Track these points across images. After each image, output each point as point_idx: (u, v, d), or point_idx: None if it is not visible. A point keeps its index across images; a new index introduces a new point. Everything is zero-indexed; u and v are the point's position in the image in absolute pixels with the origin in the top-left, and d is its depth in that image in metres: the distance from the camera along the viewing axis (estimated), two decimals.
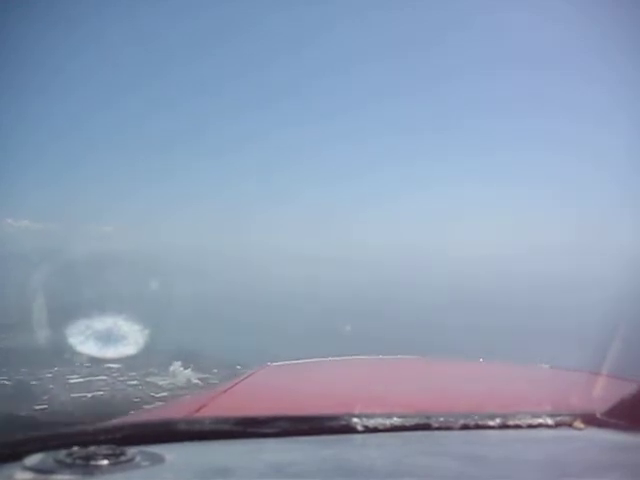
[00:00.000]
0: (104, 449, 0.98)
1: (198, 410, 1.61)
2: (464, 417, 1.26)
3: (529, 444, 1.21)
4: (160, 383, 15.59)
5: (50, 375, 15.05)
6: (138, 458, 0.99)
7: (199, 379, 15.66)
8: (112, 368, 15.51)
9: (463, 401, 1.59)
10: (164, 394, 14.45)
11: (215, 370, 16.39)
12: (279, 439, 1.17)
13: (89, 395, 14.63)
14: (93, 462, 0.95)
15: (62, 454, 0.96)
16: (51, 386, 14.73)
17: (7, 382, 14.69)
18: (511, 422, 1.26)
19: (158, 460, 1.01)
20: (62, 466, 0.94)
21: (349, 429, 1.20)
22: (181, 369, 15.98)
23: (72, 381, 15.01)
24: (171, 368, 15.93)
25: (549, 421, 1.28)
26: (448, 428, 1.24)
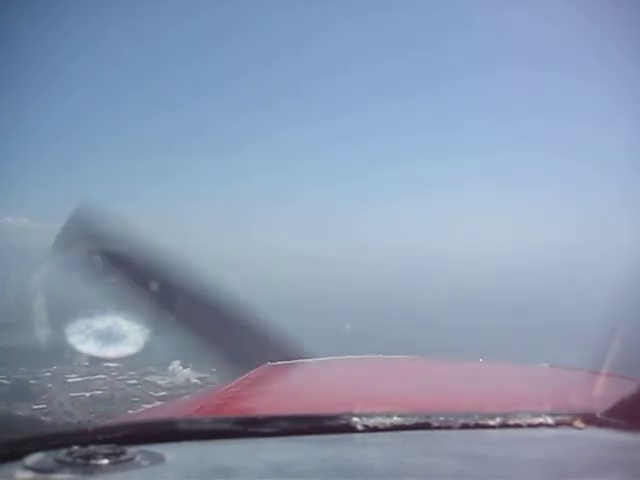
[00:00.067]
0: (104, 448, 0.98)
1: (198, 409, 1.61)
2: (464, 416, 1.26)
3: (529, 443, 1.21)
4: (159, 382, 15.57)
5: (49, 374, 15.03)
6: (138, 457, 0.99)
7: (198, 378, 15.65)
8: (111, 367, 15.49)
9: (463, 401, 1.59)
10: (163, 393, 14.44)
11: (214, 369, 16.37)
12: (279, 438, 1.17)
13: (88, 394, 14.62)
14: (93, 461, 0.95)
15: (62, 453, 0.96)
16: (50, 385, 14.71)
17: (6, 381, 14.68)
18: (511, 421, 1.26)
19: (158, 459, 1.01)
20: (62, 465, 0.94)
21: (349, 428, 1.20)
22: (180, 368, 15.97)
23: (71, 380, 14.99)
24: (170, 367, 15.91)
25: (549, 420, 1.28)
26: (448, 427, 1.24)
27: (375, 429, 1.20)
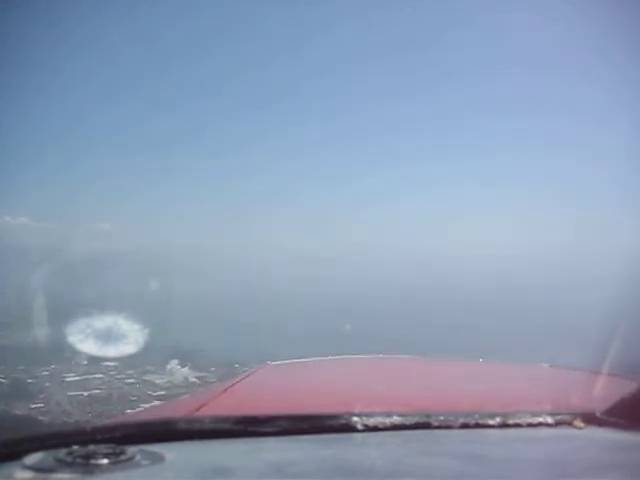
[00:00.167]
0: (104, 448, 0.98)
1: (198, 409, 1.61)
2: (464, 416, 1.25)
3: (529, 443, 1.21)
4: (157, 381, 15.56)
5: (47, 373, 15.00)
6: (138, 457, 0.99)
7: (196, 377, 15.65)
8: (109, 366, 15.46)
9: (463, 400, 1.59)
10: (161, 392, 14.43)
11: (212, 368, 16.36)
12: (279, 438, 1.17)
13: (86, 393, 14.59)
14: (93, 461, 0.95)
15: (62, 453, 0.96)
16: (48, 384, 14.69)
17: (3, 380, 14.65)
18: (511, 421, 1.26)
19: (158, 459, 1.01)
20: (62, 465, 0.94)
21: (349, 428, 1.19)
22: (178, 367, 15.97)
23: (69, 379, 14.96)
24: (168, 366, 15.90)
25: (549, 420, 1.28)
26: (448, 427, 1.24)
27: (375, 429, 1.20)
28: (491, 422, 1.26)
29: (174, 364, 15.87)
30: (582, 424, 1.28)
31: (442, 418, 1.25)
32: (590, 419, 1.29)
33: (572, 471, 1.05)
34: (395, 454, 1.11)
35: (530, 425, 1.27)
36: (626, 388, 1.33)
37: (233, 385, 1.99)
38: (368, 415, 1.22)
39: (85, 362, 13.89)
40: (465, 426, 1.24)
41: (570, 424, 1.28)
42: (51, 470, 0.92)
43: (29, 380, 14.66)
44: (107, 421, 1.31)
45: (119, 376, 15.69)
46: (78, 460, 0.95)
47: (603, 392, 1.50)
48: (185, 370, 15.89)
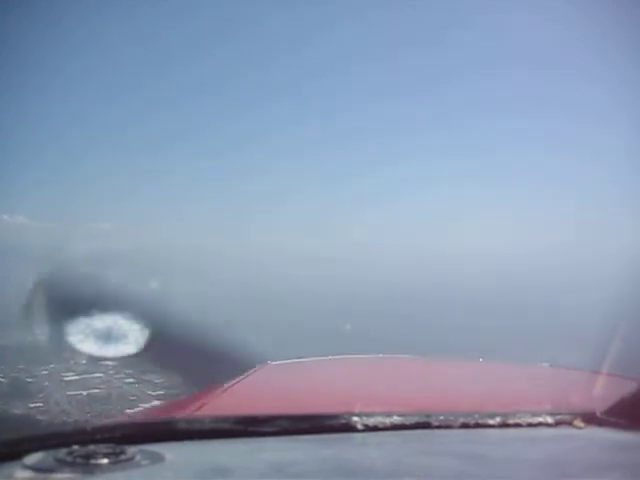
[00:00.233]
0: (104, 448, 0.98)
1: (198, 409, 1.61)
2: (464, 416, 1.25)
3: (529, 443, 1.21)
4: (156, 381, 15.52)
5: (46, 373, 14.97)
6: (138, 457, 0.99)
7: None
8: (108, 366, 15.42)
9: (463, 400, 1.59)
10: (160, 392, 14.40)
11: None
12: (279, 438, 1.17)
13: (85, 393, 14.56)
14: (93, 461, 0.95)
15: (62, 453, 0.96)
16: (47, 383, 14.66)
17: (2, 379, 14.62)
18: (511, 421, 1.26)
19: (158, 459, 1.01)
20: (62, 465, 0.94)
21: (349, 428, 1.19)
22: None
23: (67, 379, 14.93)
24: None
25: (549, 420, 1.28)
26: (448, 427, 1.24)
27: (375, 428, 1.20)
28: (491, 422, 1.26)
29: None
30: (582, 424, 1.28)
31: (442, 418, 1.25)
32: (590, 419, 1.29)
33: (572, 471, 1.05)
34: (395, 454, 1.11)
35: (530, 425, 1.27)
36: (626, 388, 1.33)
37: (233, 385, 1.99)
38: (368, 415, 1.22)
39: (84, 361, 13.84)
40: (465, 426, 1.24)
41: (570, 424, 1.28)
42: (51, 470, 0.92)
43: (28, 379, 14.64)
44: (107, 421, 1.31)
45: (118, 375, 15.63)
46: (78, 460, 0.95)
47: (603, 392, 1.50)
48: None
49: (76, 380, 15.16)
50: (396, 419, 1.22)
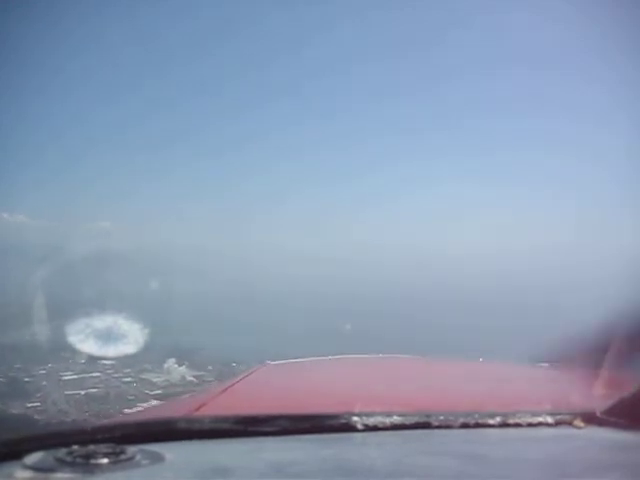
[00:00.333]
0: (104, 447, 0.98)
1: (198, 409, 1.61)
2: (464, 416, 1.25)
3: (529, 443, 1.21)
4: (154, 380, 15.50)
5: (44, 372, 14.94)
6: (138, 457, 0.99)
7: (194, 376, 15.60)
8: (106, 365, 15.40)
9: (463, 400, 1.59)
10: (158, 391, 14.39)
11: (210, 367, 16.34)
12: (279, 438, 1.17)
13: (83, 392, 14.54)
14: (93, 460, 0.95)
15: (62, 452, 0.96)
16: (44, 383, 14.63)
17: (1, 379, 14.59)
18: (511, 421, 1.26)
19: (158, 459, 1.01)
20: (62, 464, 0.94)
21: (349, 427, 1.19)
22: (175, 366, 15.92)
23: (66, 378, 14.89)
24: (165, 365, 15.85)
25: (549, 420, 1.28)
26: (448, 427, 1.24)
27: (375, 428, 1.20)
28: (491, 422, 1.26)
29: (171, 363, 15.82)
30: (582, 424, 1.28)
31: (442, 418, 1.25)
32: (590, 419, 1.29)
33: (572, 471, 1.05)
34: (395, 454, 1.11)
35: (530, 425, 1.27)
36: (626, 388, 1.33)
37: (233, 385, 1.99)
38: (368, 415, 1.22)
39: (82, 361, 13.83)
40: (465, 426, 1.24)
41: (570, 424, 1.28)
42: (51, 470, 0.92)
43: (26, 379, 14.62)
44: (107, 421, 1.31)
45: (116, 375, 15.63)
46: (78, 460, 0.95)
47: (603, 392, 1.50)
48: (182, 369, 15.85)
49: (74, 379, 15.15)
50: (396, 419, 1.22)
